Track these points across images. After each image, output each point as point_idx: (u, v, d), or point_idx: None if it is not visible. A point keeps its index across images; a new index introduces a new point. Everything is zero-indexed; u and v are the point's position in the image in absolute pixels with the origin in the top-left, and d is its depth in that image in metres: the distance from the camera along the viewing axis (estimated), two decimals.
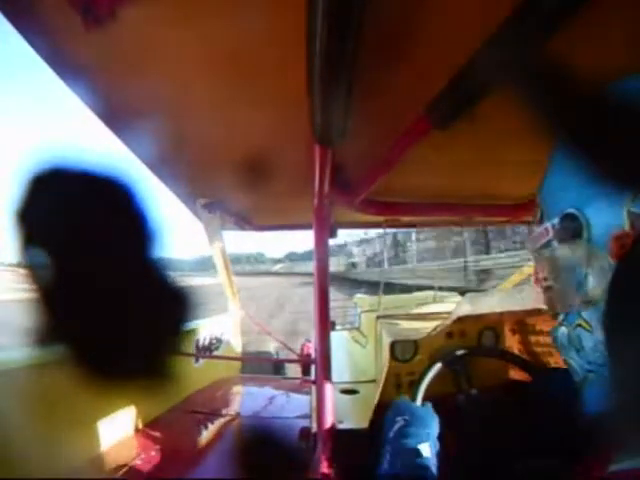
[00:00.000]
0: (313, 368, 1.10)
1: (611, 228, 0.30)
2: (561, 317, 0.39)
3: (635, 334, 0.23)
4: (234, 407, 1.35)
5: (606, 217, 0.31)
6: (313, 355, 1.33)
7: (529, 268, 1.71)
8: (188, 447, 0.96)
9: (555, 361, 0.94)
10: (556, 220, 0.37)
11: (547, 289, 0.39)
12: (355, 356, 1.45)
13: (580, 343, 0.36)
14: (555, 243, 0.37)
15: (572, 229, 0.34)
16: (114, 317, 0.20)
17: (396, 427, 0.62)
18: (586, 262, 0.33)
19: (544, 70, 0.37)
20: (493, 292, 1.41)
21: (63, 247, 0.20)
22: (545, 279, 0.39)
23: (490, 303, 1.04)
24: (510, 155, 0.80)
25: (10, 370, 0.69)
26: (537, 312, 1.02)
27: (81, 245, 0.20)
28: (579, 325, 0.35)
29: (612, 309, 0.27)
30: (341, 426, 0.88)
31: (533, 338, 1.02)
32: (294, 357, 2.31)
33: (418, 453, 0.56)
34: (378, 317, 1.22)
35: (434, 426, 0.62)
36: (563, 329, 0.38)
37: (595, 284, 0.32)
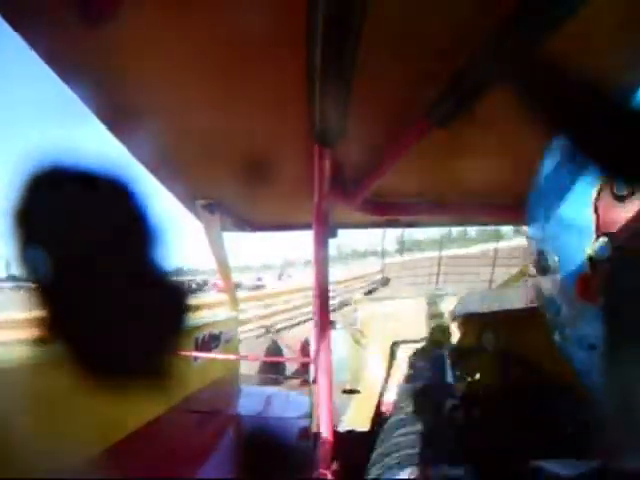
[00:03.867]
0: (313, 368, 1.10)
1: (577, 270, 0.33)
2: (555, 328, 0.41)
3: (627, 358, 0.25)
4: (234, 407, 1.35)
5: (572, 260, 0.34)
6: (313, 355, 1.33)
7: (527, 267, 1.71)
8: (188, 447, 0.96)
9: (554, 358, 0.94)
10: (535, 253, 0.39)
11: (542, 306, 0.43)
12: (355, 356, 1.45)
13: (570, 356, 0.39)
14: (537, 272, 0.40)
15: (546, 265, 0.37)
16: (114, 317, 0.21)
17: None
18: (560, 295, 0.36)
19: (544, 70, 0.37)
20: (493, 291, 1.41)
21: (63, 247, 0.20)
22: (538, 297, 0.43)
23: (490, 302, 1.05)
24: (510, 155, 0.80)
25: (10, 369, 0.69)
26: (536, 311, 1.02)
27: (80, 246, 0.20)
28: (566, 340, 0.38)
29: (607, 347, 0.29)
30: (341, 426, 0.88)
31: (533, 336, 1.02)
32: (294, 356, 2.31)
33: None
34: (379, 317, 1.22)
35: None
36: (558, 338, 0.41)
37: (567, 315, 0.35)
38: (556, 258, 0.36)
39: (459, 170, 0.90)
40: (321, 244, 0.90)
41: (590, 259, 0.31)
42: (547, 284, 0.38)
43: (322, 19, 0.35)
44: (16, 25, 0.38)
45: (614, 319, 0.27)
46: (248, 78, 0.51)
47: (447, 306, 1.07)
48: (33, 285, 0.20)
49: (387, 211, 1.11)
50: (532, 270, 0.41)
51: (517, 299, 1.07)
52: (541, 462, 0.32)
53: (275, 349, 2.46)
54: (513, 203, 1.17)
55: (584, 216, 0.32)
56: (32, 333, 0.20)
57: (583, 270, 0.32)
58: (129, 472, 0.76)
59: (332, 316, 0.96)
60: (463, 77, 0.48)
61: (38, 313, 0.20)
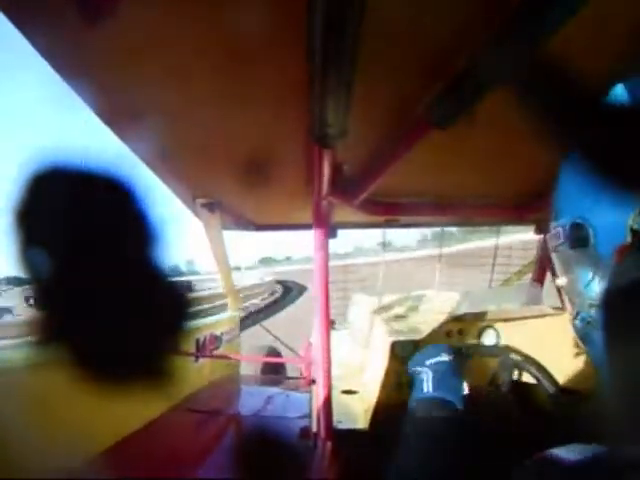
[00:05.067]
0: (313, 368, 1.10)
1: (615, 241, 0.32)
2: (575, 312, 0.41)
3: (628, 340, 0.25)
4: (234, 407, 1.35)
5: (611, 230, 0.33)
6: (314, 355, 1.33)
7: (528, 267, 1.71)
8: (188, 447, 0.96)
9: (554, 359, 0.94)
10: (567, 226, 0.38)
11: (561, 287, 0.43)
12: (355, 356, 1.45)
13: (591, 338, 0.38)
14: (566, 246, 0.39)
15: (580, 237, 0.36)
16: (114, 317, 0.20)
17: (438, 359, 0.64)
18: (592, 269, 0.35)
19: (544, 70, 0.37)
20: (494, 290, 1.41)
21: (63, 247, 0.20)
22: (559, 277, 0.42)
23: (490, 301, 1.05)
24: (510, 155, 0.80)
25: (9, 370, 0.69)
26: (538, 312, 1.02)
27: (81, 245, 0.20)
28: (589, 323, 0.38)
29: (606, 315, 0.28)
30: (341, 426, 0.88)
31: (534, 337, 1.02)
32: (295, 357, 2.31)
33: (462, 388, 0.61)
34: (379, 317, 1.22)
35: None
36: (578, 322, 0.40)
37: (600, 290, 0.34)
38: (592, 230, 0.35)
39: (459, 170, 0.90)
40: (321, 244, 0.90)
41: (632, 230, 0.31)
42: (580, 257, 0.37)
43: (322, 19, 0.35)
44: (18, 23, 0.38)
45: None
46: (248, 78, 0.51)
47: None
48: (33, 285, 0.20)
49: (387, 211, 1.11)
50: (559, 246, 0.40)
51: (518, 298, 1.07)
52: (546, 450, 0.32)
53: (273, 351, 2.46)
54: (513, 203, 1.17)
55: (626, 186, 0.31)
56: (32, 332, 0.20)
57: (623, 241, 0.31)
58: (129, 472, 0.76)
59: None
60: (463, 77, 0.48)
61: (38, 312, 0.20)
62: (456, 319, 0.97)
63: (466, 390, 0.65)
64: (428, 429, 0.55)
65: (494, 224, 1.61)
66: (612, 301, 0.28)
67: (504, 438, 0.61)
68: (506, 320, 1.02)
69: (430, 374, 0.61)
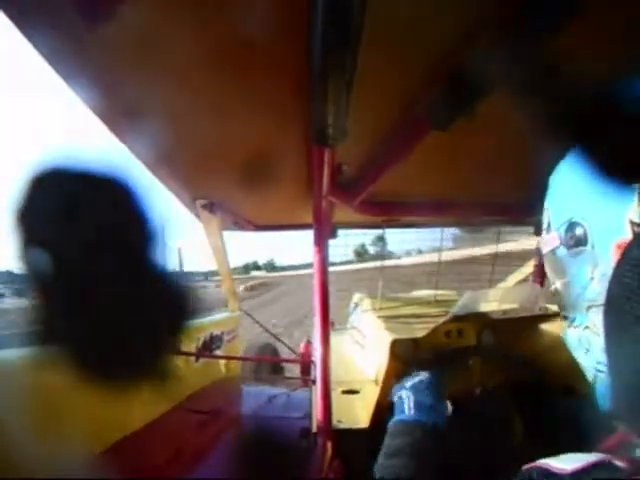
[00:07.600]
0: (313, 368, 1.11)
1: (614, 237, 0.31)
2: (570, 319, 0.39)
3: (631, 335, 0.24)
4: (234, 407, 1.35)
5: (609, 226, 0.32)
6: (313, 355, 1.33)
7: (528, 267, 1.71)
8: (188, 447, 0.96)
9: (554, 360, 0.94)
10: (563, 228, 0.37)
11: (555, 292, 0.41)
12: (355, 356, 1.45)
13: (589, 344, 0.36)
14: (563, 249, 0.38)
15: (577, 236, 0.35)
16: (114, 317, 0.21)
17: (417, 379, 0.64)
18: (590, 268, 0.34)
19: (544, 70, 0.37)
20: (493, 290, 1.41)
21: (63, 247, 0.20)
22: (553, 283, 0.41)
23: (490, 301, 1.05)
24: (510, 155, 0.80)
25: (9, 370, 0.69)
26: (538, 312, 1.02)
27: (81, 245, 0.20)
28: (587, 327, 0.36)
29: (609, 311, 0.27)
30: (341, 426, 0.88)
31: (533, 337, 1.02)
32: (294, 357, 2.31)
33: (444, 407, 0.60)
34: (379, 317, 1.22)
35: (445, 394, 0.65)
36: (572, 330, 0.39)
37: (599, 289, 0.33)
38: (589, 226, 0.34)
39: (459, 170, 0.90)
40: (321, 244, 0.90)
41: (631, 223, 0.30)
42: (577, 258, 0.36)
43: (322, 19, 0.35)
44: (19, 25, 0.38)
45: None
46: (249, 78, 0.51)
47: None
48: (34, 285, 0.20)
49: (387, 211, 1.11)
50: (555, 249, 0.39)
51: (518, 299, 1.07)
52: (543, 460, 0.31)
53: (271, 351, 2.45)
54: (513, 203, 1.17)
55: (624, 177, 0.29)
56: (32, 332, 0.20)
57: (622, 236, 0.30)
58: (129, 472, 0.76)
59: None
60: (463, 78, 0.48)
61: (39, 312, 0.20)
62: (456, 319, 0.97)
63: (449, 406, 0.65)
64: (408, 450, 0.54)
65: (493, 224, 1.61)
66: (618, 300, 0.27)
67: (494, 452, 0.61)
68: (506, 320, 1.02)
69: (411, 396, 0.61)
